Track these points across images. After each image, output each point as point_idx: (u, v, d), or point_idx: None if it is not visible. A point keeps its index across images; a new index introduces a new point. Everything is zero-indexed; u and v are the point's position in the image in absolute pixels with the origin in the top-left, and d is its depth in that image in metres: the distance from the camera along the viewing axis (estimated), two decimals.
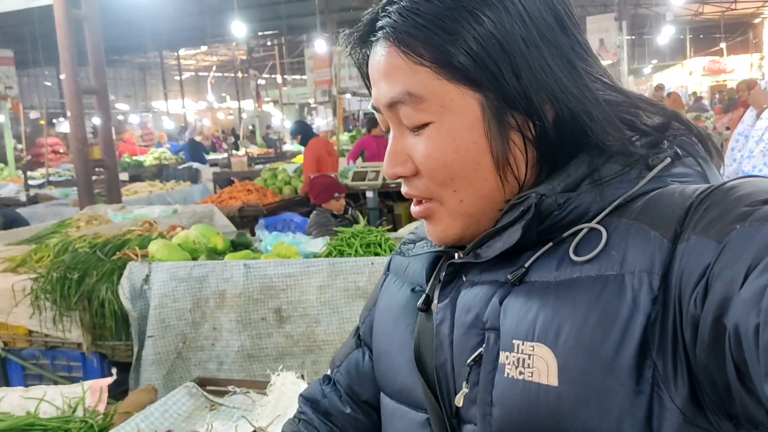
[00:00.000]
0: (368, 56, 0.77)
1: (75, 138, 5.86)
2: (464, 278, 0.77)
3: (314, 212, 4.92)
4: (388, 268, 0.97)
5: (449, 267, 0.78)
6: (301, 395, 1.05)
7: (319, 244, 3.46)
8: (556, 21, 0.71)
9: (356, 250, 3.23)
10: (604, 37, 14.03)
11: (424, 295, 0.82)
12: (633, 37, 24.19)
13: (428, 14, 0.69)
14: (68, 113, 5.88)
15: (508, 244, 0.71)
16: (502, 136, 0.71)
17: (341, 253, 3.25)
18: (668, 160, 0.70)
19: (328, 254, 3.29)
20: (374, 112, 0.79)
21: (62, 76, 5.89)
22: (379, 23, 0.74)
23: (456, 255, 0.79)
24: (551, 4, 0.72)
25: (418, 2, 0.70)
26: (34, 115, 14.59)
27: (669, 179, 0.69)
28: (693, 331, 0.58)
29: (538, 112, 0.70)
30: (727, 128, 9.20)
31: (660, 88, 10.43)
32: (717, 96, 18.91)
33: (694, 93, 19.56)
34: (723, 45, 23.96)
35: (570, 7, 0.74)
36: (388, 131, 0.78)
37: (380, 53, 0.73)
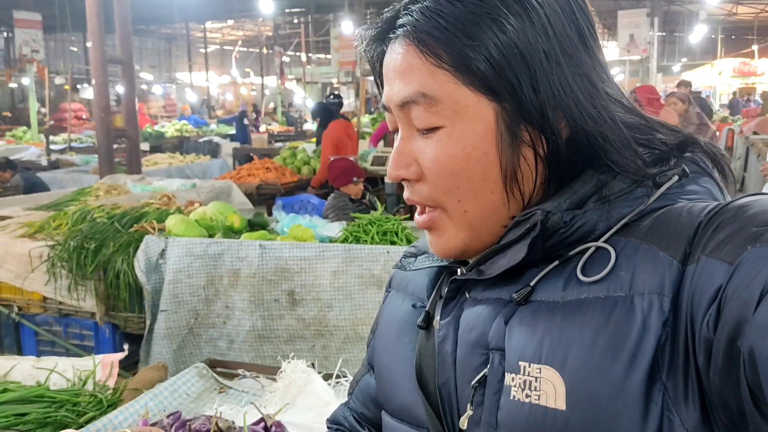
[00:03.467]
0: (383, 53, 0.75)
1: (98, 106, 5.87)
2: (467, 295, 0.75)
3: (332, 195, 4.91)
4: (389, 285, 0.94)
5: (452, 283, 0.76)
6: (327, 419, 1.05)
7: (335, 228, 3.45)
8: (580, 38, 0.70)
9: (372, 238, 3.22)
10: (634, 32, 13.84)
11: (424, 312, 0.80)
12: (664, 34, 23.85)
13: (451, 17, 0.68)
14: (93, 81, 5.89)
15: (513, 262, 0.69)
16: (513, 150, 0.69)
17: (357, 240, 3.24)
18: (676, 178, 0.68)
19: (344, 240, 3.27)
20: (383, 109, 0.77)
21: (89, 44, 5.90)
22: (400, 21, 0.71)
23: (459, 271, 0.77)
24: (575, 21, 0.70)
25: (442, 4, 0.68)
26: (59, 80, 14.67)
27: (677, 197, 0.68)
28: (706, 355, 0.56)
29: (553, 129, 0.68)
30: (755, 132, 9.05)
31: (685, 84, 10.13)
32: (746, 98, 18.62)
33: (734, 93, 19.24)
34: (755, 47, 23.52)
35: (593, 25, 0.72)
36: (395, 131, 0.76)
37: (398, 51, 0.71)
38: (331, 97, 7.92)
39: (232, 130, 15.68)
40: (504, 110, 0.68)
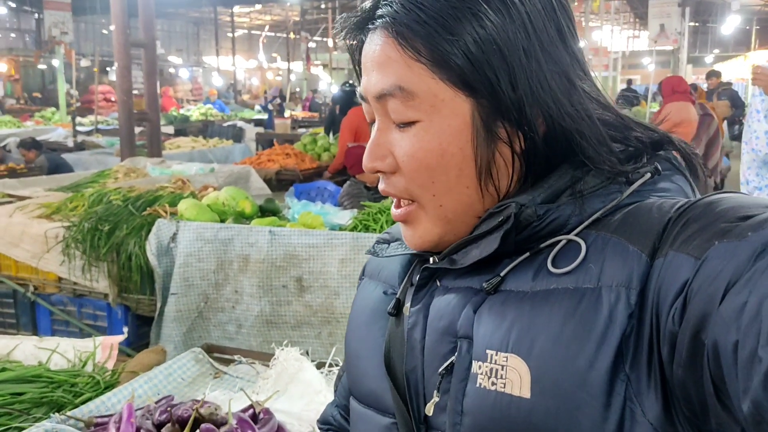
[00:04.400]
0: (362, 42, 0.75)
1: (120, 89, 5.93)
2: (438, 283, 0.76)
3: (347, 182, 4.91)
4: (363, 272, 0.95)
5: (423, 271, 0.77)
6: (317, 420, 1.07)
7: (345, 216, 3.45)
8: (559, 35, 0.70)
9: (381, 226, 3.21)
10: (665, 22, 13.57)
11: (394, 299, 0.80)
12: (696, 24, 23.40)
13: (431, 10, 0.67)
14: (116, 64, 5.95)
15: (485, 253, 0.70)
16: (488, 146, 0.69)
17: (366, 228, 3.24)
18: (648, 175, 0.69)
19: (353, 228, 3.28)
20: (360, 99, 0.77)
21: (112, 27, 5.95)
22: (380, 11, 0.71)
23: (431, 259, 0.78)
24: (555, 17, 0.70)
25: None
26: (86, 62, 14.83)
27: (649, 194, 0.69)
28: (670, 347, 0.57)
29: (530, 126, 0.68)
30: None
31: (715, 75, 9.81)
32: None
33: None
34: None
35: (573, 21, 0.72)
36: (373, 122, 0.76)
37: (376, 42, 0.71)
38: (347, 85, 7.90)
39: (258, 115, 15.74)
40: (481, 106, 0.68)
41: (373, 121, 0.76)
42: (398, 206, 0.76)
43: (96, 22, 24.79)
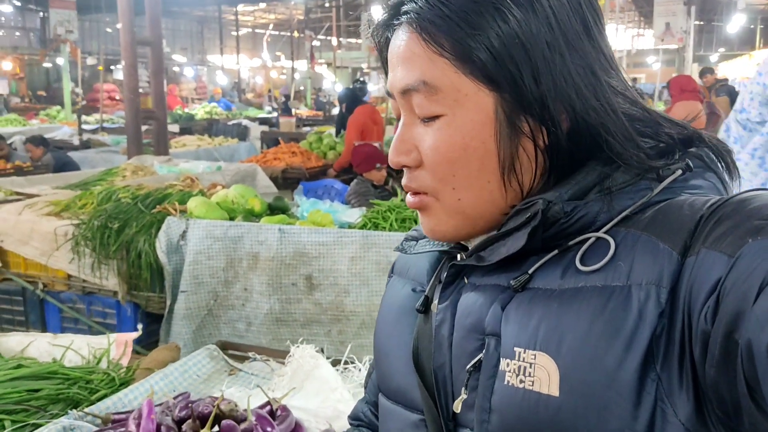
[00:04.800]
0: (389, 39, 0.76)
1: (127, 88, 5.93)
2: (466, 280, 0.76)
3: (354, 181, 4.91)
4: (392, 270, 0.95)
5: (451, 268, 0.77)
6: (348, 416, 1.08)
7: (354, 214, 3.45)
8: (584, 29, 0.69)
9: (391, 225, 3.21)
10: (670, 21, 13.54)
11: (423, 296, 0.81)
12: (701, 23, 23.34)
13: (454, 5, 0.68)
14: (122, 63, 5.95)
15: (512, 250, 0.69)
16: (511, 140, 0.69)
17: (376, 226, 3.24)
18: (679, 171, 0.69)
19: (363, 226, 3.28)
20: (388, 96, 0.78)
21: (119, 25, 5.95)
22: (404, 7, 0.72)
23: (458, 256, 0.78)
24: (581, 11, 0.70)
25: None
26: (91, 61, 14.85)
27: (680, 191, 0.68)
28: (703, 347, 0.56)
29: (554, 121, 0.68)
30: None
31: (709, 72, 9.71)
32: None
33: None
34: None
35: (600, 16, 0.71)
36: (399, 118, 0.77)
37: (401, 38, 0.72)
38: (357, 82, 7.92)
39: (263, 114, 15.75)
40: (504, 100, 0.68)
41: (399, 117, 0.76)
42: (413, 195, 0.76)
43: (100, 21, 24.81)
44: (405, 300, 0.86)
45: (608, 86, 0.69)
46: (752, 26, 26.08)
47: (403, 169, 0.76)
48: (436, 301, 0.78)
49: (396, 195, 4.61)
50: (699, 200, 0.64)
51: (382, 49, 0.78)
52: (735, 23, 21.75)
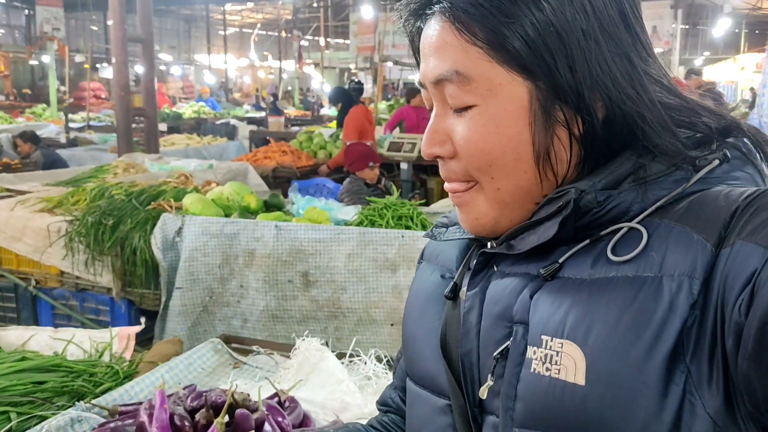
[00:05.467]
0: (421, 29, 0.75)
1: (118, 85, 5.91)
2: (495, 268, 0.76)
3: (347, 179, 4.92)
4: (422, 256, 0.95)
5: (481, 256, 0.77)
6: (377, 402, 1.08)
7: (351, 212, 3.46)
8: (620, 16, 0.68)
9: (387, 222, 3.22)
10: (657, 24, 13.68)
11: (452, 283, 0.81)
12: (687, 27, 23.55)
13: None
14: (113, 60, 5.92)
15: (543, 239, 0.69)
16: (546, 130, 0.68)
17: (372, 223, 3.25)
18: (716, 162, 0.67)
19: (359, 223, 3.28)
20: (419, 86, 0.77)
21: (110, 22, 5.93)
22: None
23: (489, 244, 0.77)
24: None
25: None
26: (79, 58, 14.75)
27: (716, 181, 0.67)
28: (736, 339, 0.56)
29: (589, 109, 0.67)
30: None
31: (695, 73, 9.71)
32: None
33: (752, 89, 18.96)
34: None
35: (637, 4, 0.70)
36: (431, 109, 0.76)
37: (434, 28, 0.71)
38: (354, 83, 7.94)
39: (251, 113, 15.70)
40: (538, 89, 0.67)
41: (431, 108, 0.76)
42: (455, 191, 0.76)
43: (86, 18, 24.63)
44: (434, 286, 0.86)
45: (645, 74, 0.68)
46: (737, 30, 26.34)
47: (438, 159, 0.76)
48: (464, 288, 0.78)
49: (390, 194, 4.62)
50: (735, 191, 0.63)
51: (413, 39, 0.77)
52: (720, 27, 21.93)
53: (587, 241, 0.68)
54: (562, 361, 0.64)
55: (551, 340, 0.65)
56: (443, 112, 0.74)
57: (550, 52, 0.66)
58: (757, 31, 28.65)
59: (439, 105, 0.74)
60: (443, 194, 6.34)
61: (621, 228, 0.66)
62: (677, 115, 0.70)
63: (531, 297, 0.69)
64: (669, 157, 0.67)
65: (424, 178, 6.95)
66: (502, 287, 0.73)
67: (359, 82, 8.01)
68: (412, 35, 0.77)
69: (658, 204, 0.66)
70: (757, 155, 0.71)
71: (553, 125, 0.68)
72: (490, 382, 0.72)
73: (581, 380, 0.62)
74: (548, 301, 0.67)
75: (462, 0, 0.68)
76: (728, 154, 0.68)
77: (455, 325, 0.78)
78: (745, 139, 0.71)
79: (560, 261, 0.69)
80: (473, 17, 0.67)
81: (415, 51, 0.78)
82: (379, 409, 1.06)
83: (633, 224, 0.66)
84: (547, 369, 0.65)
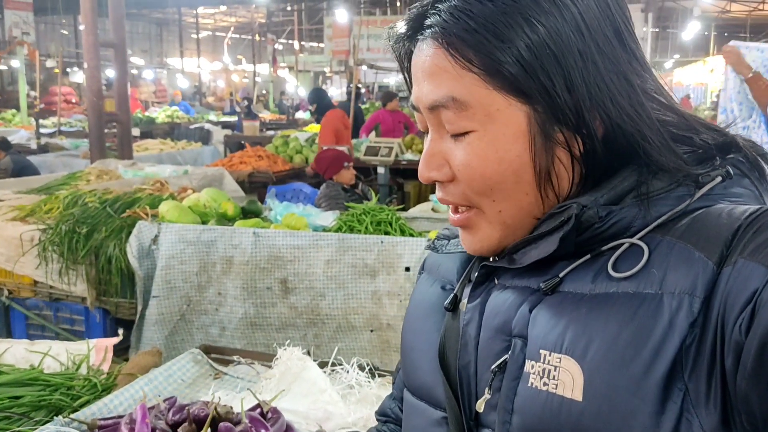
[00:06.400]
0: (411, 51, 0.73)
1: (90, 90, 5.83)
2: (496, 281, 0.76)
3: (324, 184, 4.91)
4: (423, 267, 0.95)
5: (482, 269, 0.76)
6: (375, 412, 1.07)
7: (329, 217, 3.45)
8: (615, 34, 0.68)
9: (366, 227, 3.22)
10: None
11: (452, 295, 0.80)
12: (657, 30, 23.89)
13: (480, 17, 0.65)
14: (85, 64, 5.84)
15: (544, 253, 0.69)
16: (546, 152, 0.68)
17: (351, 229, 3.24)
18: (719, 179, 0.67)
19: (338, 229, 3.28)
20: (412, 109, 0.76)
21: (81, 27, 5.85)
22: (428, 21, 0.70)
23: (490, 257, 0.77)
24: (611, 16, 0.68)
25: (471, 3, 0.66)
26: (50, 63, 14.52)
27: (718, 198, 0.67)
28: (735, 358, 0.56)
29: (588, 129, 0.67)
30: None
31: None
32: None
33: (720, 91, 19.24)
34: None
35: (629, 20, 0.70)
36: (426, 132, 0.75)
37: (426, 52, 0.70)
38: (350, 86, 7.98)
39: (225, 118, 15.60)
40: (536, 112, 0.67)
41: (426, 131, 0.75)
42: (455, 212, 0.75)
43: (56, 23, 24.30)
44: (434, 298, 0.86)
45: (642, 91, 0.68)
46: (706, 33, 26.80)
47: (436, 183, 0.75)
48: (465, 300, 0.78)
49: (368, 198, 4.62)
50: (737, 209, 0.63)
51: (403, 60, 0.76)
52: (690, 30, 22.30)
53: (588, 256, 0.68)
54: (559, 376, 0.64)
55: (549, 355, 0.65)
56: (439, 136, 0.73)
57: (547, 74, 0.65)
58: (726, 34, 29.15)
59: (435, 129, 0.73)
60: (421, 198, 6.36)
61: (622, 244, 0.66)
62: (676, 130, 0.70)
63: (530, 311, 0.69)
64: (670, 173, 0.67)
65: (401, 182, 6.97)
66: (502, 300, 0.73)
67: (358, 87, 8.04)
68: (402, 57, 0.76)
69: (660, 220, 0.66)
70: (755, 171, 0.71)
71: (553, 147, 0.68)
72: (487, 396, 0.72)
73: (578, 396, 0.62)
74: (548, 315, 0.67)
75: (455, 25, 0.67)
76: (731, 171, 0.68)
77: (454, 337, 0.78)
78: (743, 155, 0.71)
79: (561, 275, 0.69)
80: (467, 43, 0.66)
81: (405, 71, 0.77)
82: (377, 420, 1.05)
83: (634, 240, 0.66)
84: (545, 384, 0.65)
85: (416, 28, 0.72)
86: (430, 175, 0.74)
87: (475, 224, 0.74)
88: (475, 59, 0.66)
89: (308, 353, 1.75)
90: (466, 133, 0.70)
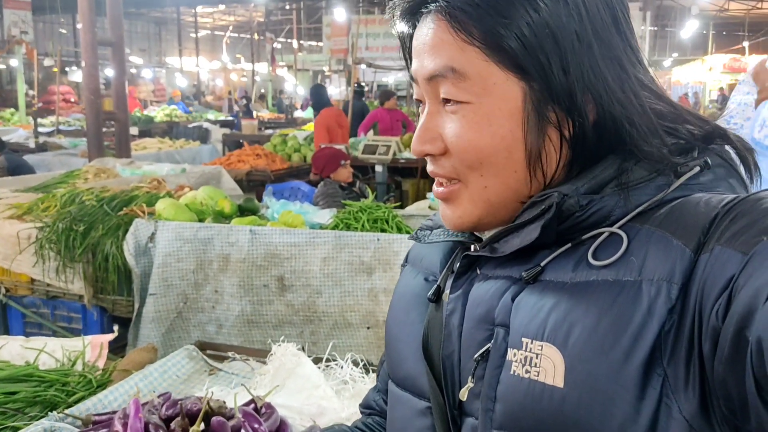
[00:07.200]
0: (414, 28, 0.75)
1: (88, 89, 5.83)
2: (478, 271, 0.77)
3: (322, 182, 4.91)
4: (406, 259, 0.96)
5: (464, 259, 0.77)
6: (359, 405, 1.08)
7: (326, 215, 3.45)
8: (613, 21, 0.70)
9: (363, 225, 3.22)
10: None
11: (435, 286, 0.81)
12: (656, 29, 23.90)
13: None
14: (83, 63, 5.84)
15: (526, 242, 0.70)
16: (539, 130, 0.69)
17: (348, 227, 3.25)
18: (697, 168, 0.68)
19: (335, 227, 3.28)
20: (411, 82, 0.77)
21: (79, 26, 5.85)
22: None
23: (472, 247, 0.78)
24: (610, 3, 0.70)
25: None
26: (48, 62, 14.53)
27: (696, 188, 0.68)
28: (712, 343, 0.57)
29: (580, 112, 0.68)
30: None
31: None
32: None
33: (721, 89, 19.29)
34: (746, 44, 23.59)
35: (627, 9, 0.72)
36: (421, 101, 0.76)
37: (429, 26, 0.72)
38: (356, 85, 7.98)
39: (223, 116, 15.61)
40: (532, 90, 0.68)
41: (420, 101, 0.76)
42: (440, 185, 0.76)
43: (55, 22, 24.28)
44: (417, 289, 0.86)
45: (635, 79, 0.70)
46: (705, 32, 26.81)
47: (427, 157, 0.76)
48: (447, 291, 0.78)
49: (365, 196, 4.62)
50: (714, 198, 0.64)
51: (405, 38, 0.78)
52: (688, 29, 22.33)
53: (569, 245, 0.69)
54: (541, 364, 0.65)
55: (531, 343, 0.66)
56: (435, 110, 0.74)
57: (545, 53, 0.67)
58: (724, 32, 29.19)
59: (432, 101, 0.74)
60: (418, 196, 6.36)
61: (602, 232, 0.67)
62: (665, 121, 0.71)
63: (513, 300, 0.70)
64: (653, 162, 0.68)
65: (398, 181, 6.97)
66: (485, 290, 0.74)
67: (360, 85, 8.05)
68: (403, 34, 0.78)
69: (639, 209, 0.67)
70: (740, 163, 0.72)
71: (545, 126, 0.69)
72: (470, 384, 0.72)
73: (560, 382, 0.63)
74: (529, 303, 0.68)
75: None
76: (709, 161, 0.69)
77: (437, 328, 0.78)
78: (728, 147, 0.72)
79: (542, 264, 0.70)
80: (470, 16, 0.68)
81: (405, 49, 0.79)
82: (362, 412, 1.06)
83: (614, 229, 0.67)
84: (527, 371, 0.66)
85: (420, 3, 0.73)
86: (423, 148, 0.75)
87: (458, 198, 0.75)
88: (476, 32, 0.68)
89: (303, 349, 1.76)
90: (462, 104, 0.71)
